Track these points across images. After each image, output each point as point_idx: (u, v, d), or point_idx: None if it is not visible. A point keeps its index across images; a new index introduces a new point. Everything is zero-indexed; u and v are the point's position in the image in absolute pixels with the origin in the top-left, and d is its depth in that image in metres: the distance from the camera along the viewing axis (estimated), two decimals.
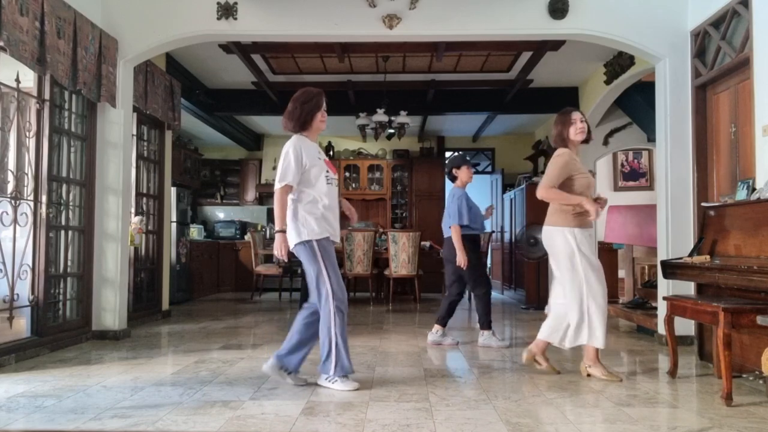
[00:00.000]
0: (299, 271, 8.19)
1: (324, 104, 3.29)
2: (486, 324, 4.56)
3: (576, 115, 3.57)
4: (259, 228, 9.77)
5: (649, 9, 4.74)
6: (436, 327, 4.64)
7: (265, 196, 10.22)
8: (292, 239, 3.11)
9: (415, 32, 4.90)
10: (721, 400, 2.93)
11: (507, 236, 8.96)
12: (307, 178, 3.12)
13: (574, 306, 3.41)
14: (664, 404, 2.95)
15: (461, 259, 4.51)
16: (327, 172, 3.18)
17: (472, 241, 4.65)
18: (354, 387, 3.11)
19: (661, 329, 4.32)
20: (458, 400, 2.98)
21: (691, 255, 3.70)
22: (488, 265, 9.68)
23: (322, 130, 3.34)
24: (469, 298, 7.31)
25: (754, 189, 3.58)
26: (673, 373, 3.52)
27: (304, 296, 5.71)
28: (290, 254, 3.16)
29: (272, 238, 5.69)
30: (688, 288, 4.25)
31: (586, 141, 3.61)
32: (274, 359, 3.20)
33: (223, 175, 10.47)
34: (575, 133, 3.53)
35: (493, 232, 9.51)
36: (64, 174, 4.44)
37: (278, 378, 3.22)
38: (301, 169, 3.10)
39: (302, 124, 3.24)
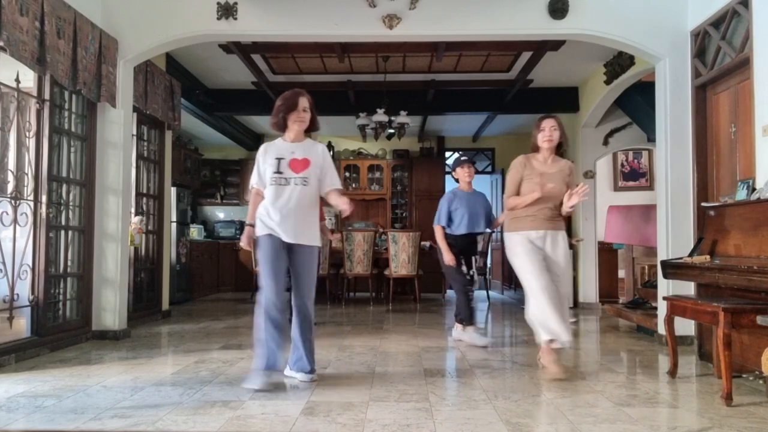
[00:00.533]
0: None
1: (302, 104, 3.29)
2: (467, 319, 4.66)
3: (546, 123, 3.64)
4: None
5: (649, 9, 4.74)
6: (467, 328, 4.71)
7: None
8: None
9: (415, 32, 4.90)
10: (721, 400, 2.93)
11: None
12: (264, 181, 3.32)
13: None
14: (664, 404, 2.95)
15: (446, 258, 4.69)
16: (276, 172, 3.24)
17: (456, 238, 4.77)
18: (254, 385, 3.11)
19: (661, 329, 4.33)
20: (458, 400, 2.98)
21: (691, 255, 3.70)
22: (488, 264, 9.67)
23: (302, 128, 3.33)
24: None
25: (754, 189, 3.58)
26: (673, 373, 3.52)
27: None
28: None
29: None
30: (688, 288, 4.25)
31: (560, 148, 3.69)
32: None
33: (223, 175, 10.47)
34: (541, 140, 3.63)
35: (493, 231, 9.51)
36: (64, 174, 4.44)
37: (307, 381, 3.32)
38: (260, 173, 3.34)
39: (278, 125, 3.34)
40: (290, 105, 3.26)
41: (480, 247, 4.78)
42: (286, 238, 3.20)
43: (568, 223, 7.78)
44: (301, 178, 3.24)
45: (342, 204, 3.20)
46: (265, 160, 3.31)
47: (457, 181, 4.99)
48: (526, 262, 3.54)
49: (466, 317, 4.66)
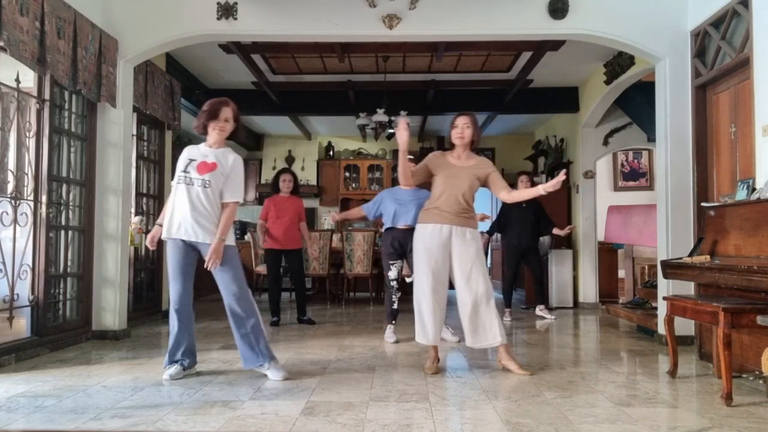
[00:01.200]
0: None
1: (224, 114, 3.43)
2: (387, 316, 4.91)
3: (459, 121, 3.67)
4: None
5: (649, 9, 4.74)
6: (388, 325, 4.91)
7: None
8: None
9: (415, 32, 4.90)
10: (721, 400, 2.93)
11: None
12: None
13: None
14: (664, 404, 2.95)
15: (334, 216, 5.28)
16: (183, 171, 3.38)
17: (385, 238, 4.86)
18: (164, 376, 3.36)
19: (661, 329, 4.33)
20: (458, 400, 2.98)
21: (691, 255, 3.70)
22: (488, 264, 9.61)
23: (221, 137, 3.46)
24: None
25: (754, 189, 3.57)
26: (673, 373, 3.52)
27: (299, 299, 5.84)
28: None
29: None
30: (688, 288, 4.25)
31: (473, 147, 3.74)
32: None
33: None
34: (454, 137, 3.68)
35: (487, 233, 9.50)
36: (64, 174, 4.44)
37: (278, 378, 3.38)
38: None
39: (198, 129, 3.50)
40: (212, 113, 3.42)
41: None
42: (188, 237, 3.33)
43: (568, 219, 7.79)
44: (203, 180, 3.35)
45: (219, 231, 3.30)
46: (181, 162, 3.44)
47: None
48: (423, 261, 3.56)
49: (388, 315, 4.88)
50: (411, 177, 3.69)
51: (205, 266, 3.31)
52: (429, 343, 3.61)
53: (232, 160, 3.44)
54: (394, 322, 4.88)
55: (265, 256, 5.80)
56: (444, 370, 3.70)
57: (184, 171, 3.37)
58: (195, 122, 3.48)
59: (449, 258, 3.58)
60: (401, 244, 4.75)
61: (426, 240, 3.56)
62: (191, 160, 3.40)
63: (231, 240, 3.42)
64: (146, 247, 5.87)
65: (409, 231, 4.66)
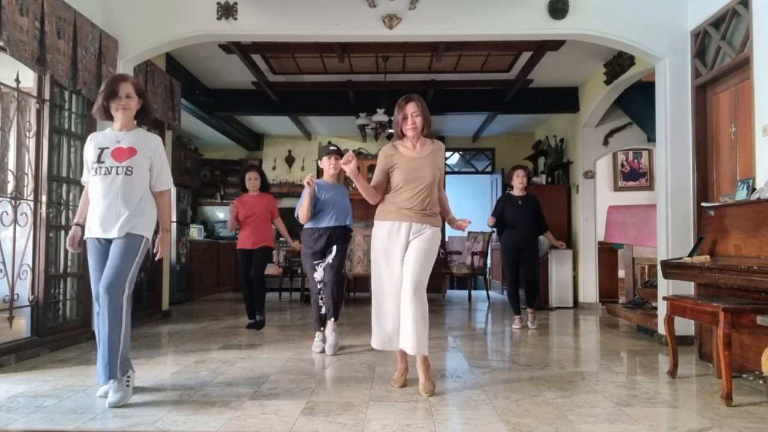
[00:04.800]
0: (299, 271, 8.19)
1: (123, 90, 2.97)
2: (317, 321, 4.42)
3: (408, 109, 3.24)
4: None
5: (649, 9, 4.75)
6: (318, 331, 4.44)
7: None
8: None
9: (415, 32, 4.91)
10: (721, 400, 2.93)
11: None
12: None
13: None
14: (664, 404, 2.95)
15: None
16: (96, 161, 2.95)
17: (309, 236, 4.37)
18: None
19: (661, 329, 4.33)
20: (458, 400, 2.98)
21: (691, 255, 3.70)
22: (488, 264, 9.60)
23: (128, 116, 3.02)
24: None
25: (754, 189, 3.58)
26: (673, 373, 3.52)
27: (257, 297, 5.40)
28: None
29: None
30: (688, 288, 4.26)
31: (424, 132, 3.31)
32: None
33: (223, 175, 10.48)
34: (406, 129, 3.27)
35: (493, 232, 9.51)
36: (64, 174, 4.44)
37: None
38: (86, 166, 3.05)
39: (99, 112, 3.04)
40: (110, 92, 2.96)
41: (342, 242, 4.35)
42: (109, 235, 2.93)
43: (568, 219, 7.79)
44: (124, 167, 2.94)
45: (162, 225, 3.09)
46: (90, 150, 3.00)
47: None
48: (382, 263, 3.22)
49: (315, 320, 4.42)
50: (377, 193, 3.31)
51: (155, 258, 3.06)
52: (389, 349, 3.25)
53: (154, 142, 3.08)
54: (323, 328, 4.38)
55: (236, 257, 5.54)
56: (444, 370, 3.69)
57: (98, 161, 2.94)
58: (94, 107, 3.04)
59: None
60: (328, 242, 4.32)
61: (383, 240, 3.22)
62: (102, 149, 2.96)
63: (145, 231, 3.04)
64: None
65: (337, 228, 4.33)
